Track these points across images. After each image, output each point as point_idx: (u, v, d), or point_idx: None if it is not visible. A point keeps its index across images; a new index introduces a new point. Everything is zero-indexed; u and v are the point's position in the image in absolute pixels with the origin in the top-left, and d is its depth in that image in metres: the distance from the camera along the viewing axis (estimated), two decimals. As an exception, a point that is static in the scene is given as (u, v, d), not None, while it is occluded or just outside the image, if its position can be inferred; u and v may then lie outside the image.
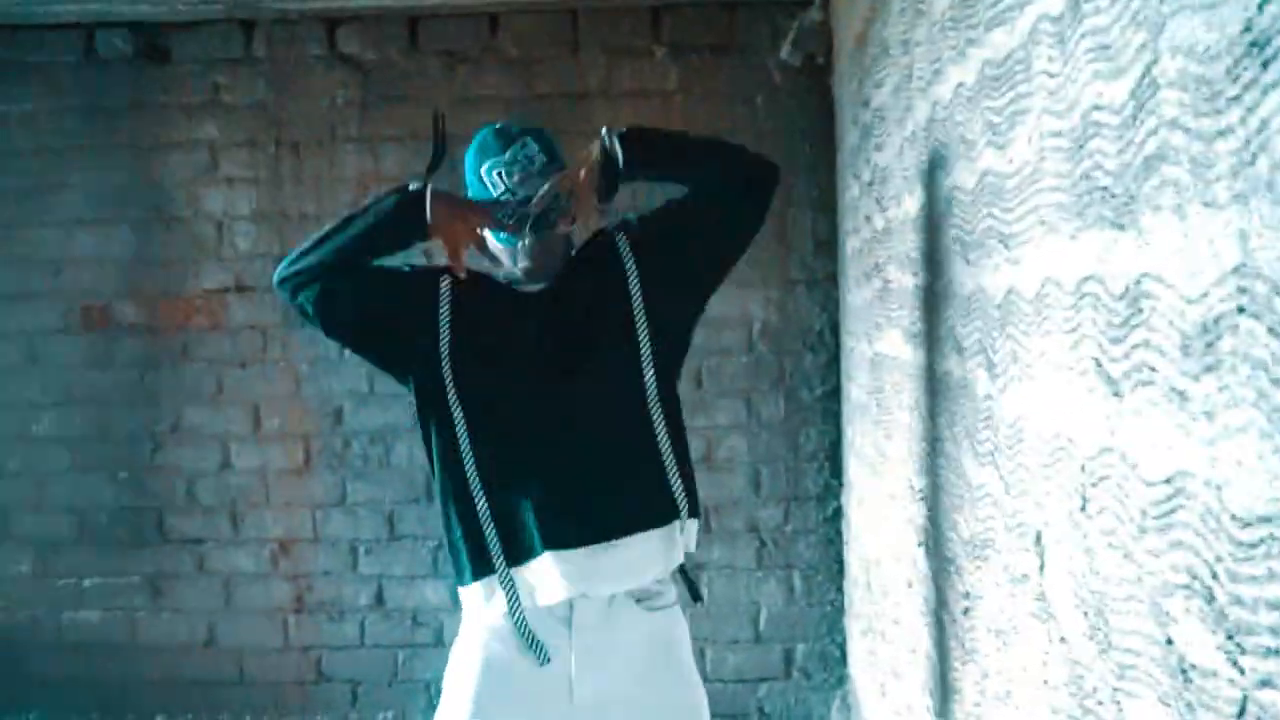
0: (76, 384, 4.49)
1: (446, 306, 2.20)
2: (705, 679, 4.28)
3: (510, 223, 2.14)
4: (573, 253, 2.31)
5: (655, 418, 2.20)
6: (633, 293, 2.23)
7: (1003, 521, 1.71)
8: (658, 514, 2.21)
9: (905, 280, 2.61)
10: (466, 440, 2.17)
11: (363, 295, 2.24)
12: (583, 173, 2.15)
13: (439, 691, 4.41)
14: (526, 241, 2.16)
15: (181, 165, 4.46)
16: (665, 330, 2.24)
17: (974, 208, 1.82)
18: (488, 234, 2.21)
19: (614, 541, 2.16)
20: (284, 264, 2.23)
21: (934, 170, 2.19)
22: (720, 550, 4.38)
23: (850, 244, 3.85)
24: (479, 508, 2.18)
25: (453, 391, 2.18)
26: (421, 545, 4.41)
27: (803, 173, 4.30)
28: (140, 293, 4.47)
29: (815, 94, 4.28)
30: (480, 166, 2.20)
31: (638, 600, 2.23)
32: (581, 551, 2.15)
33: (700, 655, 4.36)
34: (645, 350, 2.20)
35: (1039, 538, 1.52)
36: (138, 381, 4.48)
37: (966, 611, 2.02)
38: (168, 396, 4.47)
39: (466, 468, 2.18)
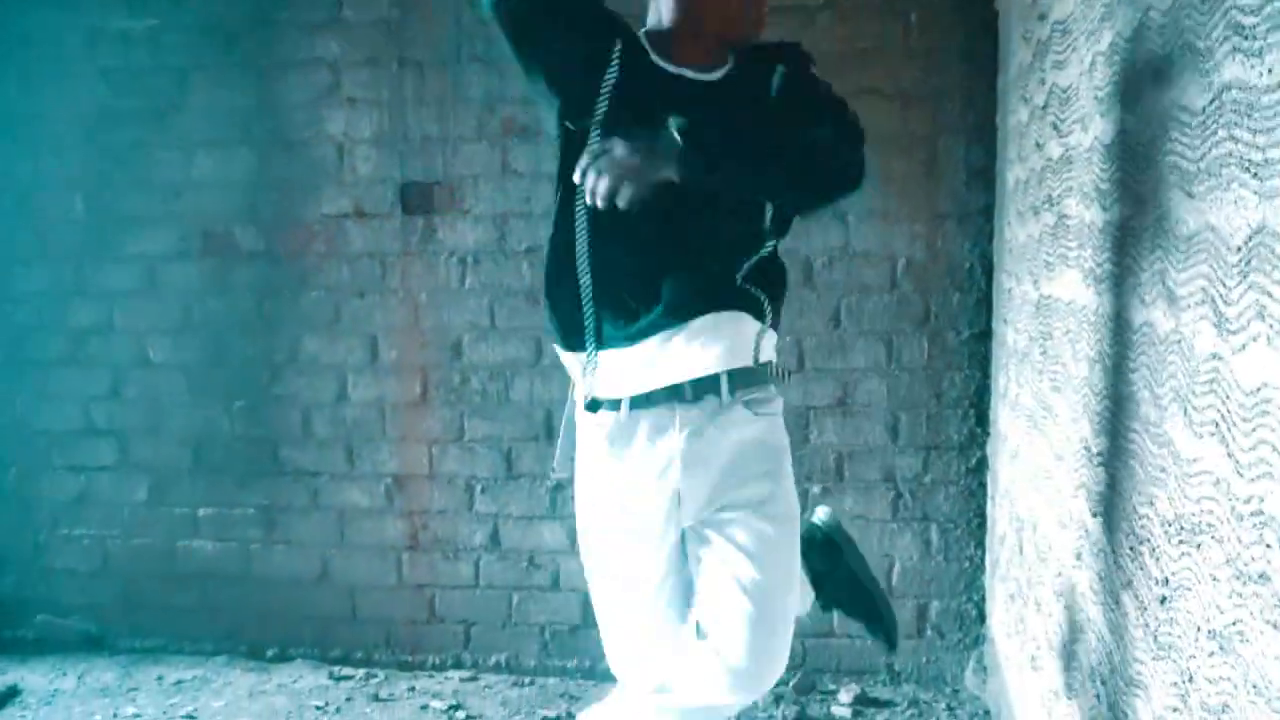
0: (195, 310, 4.41)
1: (614, 73, 2.19)
2: (832, 633, 4.13)
3: None
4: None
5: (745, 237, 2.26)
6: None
7: (1228, 506, 1.44)
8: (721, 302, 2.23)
9: (1090, 215, 2.30)
10: (584, 211, 2.20)
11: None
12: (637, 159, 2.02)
13: (554, 635, 4.29)
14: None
15: (301, 85, 4.30)
16: None
17: (1204, 130, 1.52)
18: None
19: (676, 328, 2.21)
20: None
21: (1142, 88, 1.87)
22: (853, 500, 4.14)
23: (1013, 174, 3.52)
24: (581, 283, 2.24)
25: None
26: (540, 485, 4.25)
27: (957, 96, 3.97)
28: (260, 217, 4.35)
29: (975, 8, 3.93)
30: None
31: (745, 403, 2.28)
32: (639, 346, 2.23)
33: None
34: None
35: (1289, 534, 1.24)
36: (255, 309, 4.37)
37: (1164, 601, 1.75)
38: (285, 325, 4.36)
39: (578, 236, 2.23)
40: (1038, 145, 3.00)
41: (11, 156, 4.46)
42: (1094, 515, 2.26)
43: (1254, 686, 1.35)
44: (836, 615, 4.13)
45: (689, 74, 2.25)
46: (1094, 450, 2.26)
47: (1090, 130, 2.32)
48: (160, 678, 4.25)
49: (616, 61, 2.19)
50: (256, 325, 4.37)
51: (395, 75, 4.25)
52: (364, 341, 4.32)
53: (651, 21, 2.32)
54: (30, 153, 4.44)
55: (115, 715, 3.93)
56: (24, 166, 4.45)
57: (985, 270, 4.01)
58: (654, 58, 2.26)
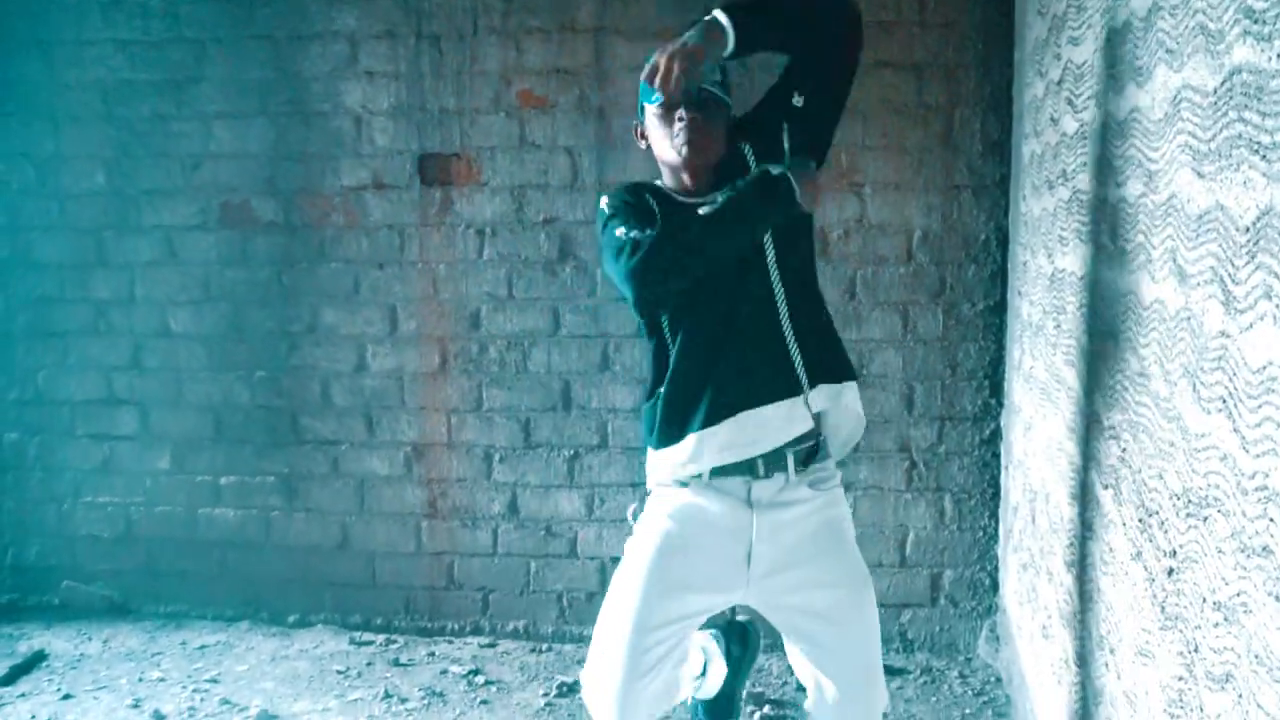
0: (214, 281, 4.46)
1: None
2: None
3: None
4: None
5: (777, 292, 2.48)
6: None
7: (1234, 481, 1.47)
8: (781, 387, 2.46)
9: (1104, 191, 2.32)
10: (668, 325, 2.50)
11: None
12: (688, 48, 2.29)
13: (571, 603, 4.34)
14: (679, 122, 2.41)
15: (320, 58, 4.33)
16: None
17: (1215, 111, 1.54)
18: (652, 131, 2.50)
19: (740, 415, 2.44)
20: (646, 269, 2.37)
21: (1155, 67, 1.89)
22: (868, 470, 4.17)
23: (1028, 148, 3.52)
24: (668, 385, 2.50)
25: None
26: (557, 455, 4.30)
27: (974, 68, 3.98)
28: (278, 189, 4.39)
29: (992, -20, 3.94)
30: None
31: (810, 483, 2.49)
32: (722, 426, 2.44)
33: (843, 577, 4.19)
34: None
35: (1293, 509, 1.27)
36: (275, 280, 4.41)
37: (1171, 573, 1.78)
38: (305, 296, 4.40)
39: (670, 351, 2.50)
40: (1053, 120, 3.01)
41: (33, 129, 4.50)
42: (1105, 487, 2.29)
43: (1256, 657, 1.38)
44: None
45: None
46: (1105, 424, 2.29)
47: (1104, 107, 2.33)
48: (184, 643, 4.33)
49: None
50: (276, 296, 4.42)
51: (413, 48, 4.27)
52: (383, 312, 4.36)
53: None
54: (51, 125, 4.49)
55: (141, 679, 4.01)
56: (45, 139, 4.50)
57: (1000, 243, 4.03)
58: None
